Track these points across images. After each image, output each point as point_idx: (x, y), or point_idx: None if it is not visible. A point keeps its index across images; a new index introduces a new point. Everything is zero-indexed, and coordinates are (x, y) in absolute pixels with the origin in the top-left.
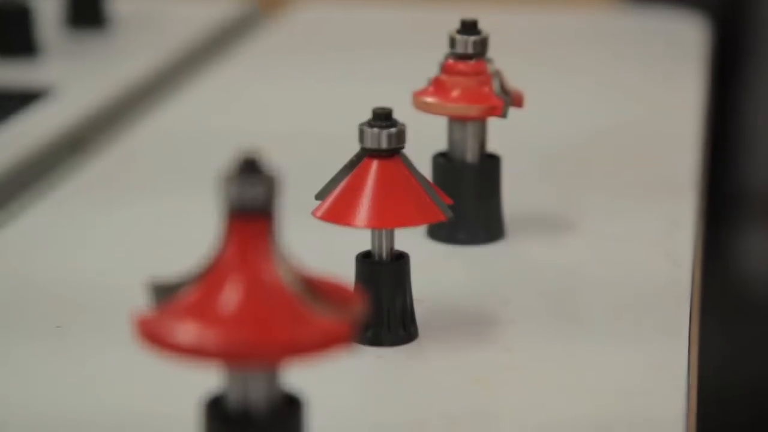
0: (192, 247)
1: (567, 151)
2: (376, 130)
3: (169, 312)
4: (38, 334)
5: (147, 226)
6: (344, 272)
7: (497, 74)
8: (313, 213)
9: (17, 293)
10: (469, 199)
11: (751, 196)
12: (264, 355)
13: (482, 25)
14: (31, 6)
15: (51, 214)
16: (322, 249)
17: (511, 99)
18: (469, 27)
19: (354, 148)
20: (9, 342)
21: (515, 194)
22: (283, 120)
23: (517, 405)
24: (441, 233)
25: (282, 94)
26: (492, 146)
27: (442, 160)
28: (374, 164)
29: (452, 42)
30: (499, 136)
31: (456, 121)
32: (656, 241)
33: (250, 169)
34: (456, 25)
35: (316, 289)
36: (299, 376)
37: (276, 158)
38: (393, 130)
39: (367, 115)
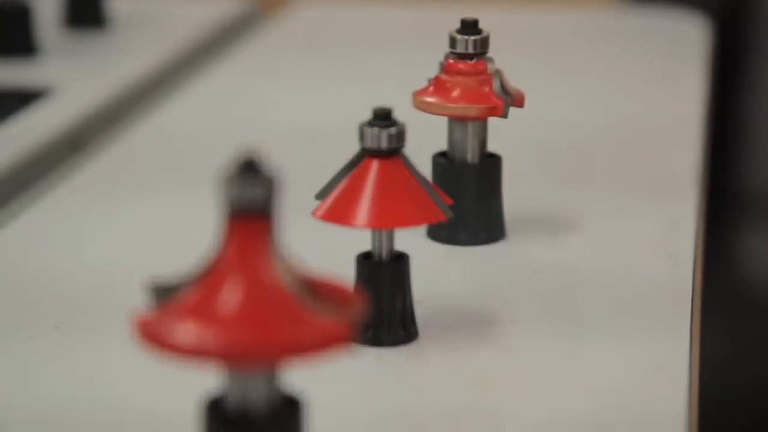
0: (192, 246)
1: (568, 151)
2: (376, 129)
3: (169, 312)
4: (38, 333)
5: (147, 225)
6: (344, 272)
7: (498, 74)
8: (313, 213)
9: (17, 292)
10: (469, 199)
11: (753, 196)
12: (264, 355)
13: (483, 25)
14: (30, 6)
15: (51, 214)
16: (322, 249)
17: (511, 99)
18: (469, 26)
19: (354, 147)
20: (9, 341)
21: (516, 194)
22: (283, 119)
23: (518, 405)
24: (441, 233)
25: (282, 93)
26: (492, 146)
27: (442, 160)
28: (374, 164)
29: (452, 41)
30: (500, 135)
31: (456, 121)
32: (657, 241)
33: (249, 169)
34: (456, 24)
35: (316, 290)
36: (299, 377)
37: (276, 158)
38: (393, 129)
39: (367, 115)
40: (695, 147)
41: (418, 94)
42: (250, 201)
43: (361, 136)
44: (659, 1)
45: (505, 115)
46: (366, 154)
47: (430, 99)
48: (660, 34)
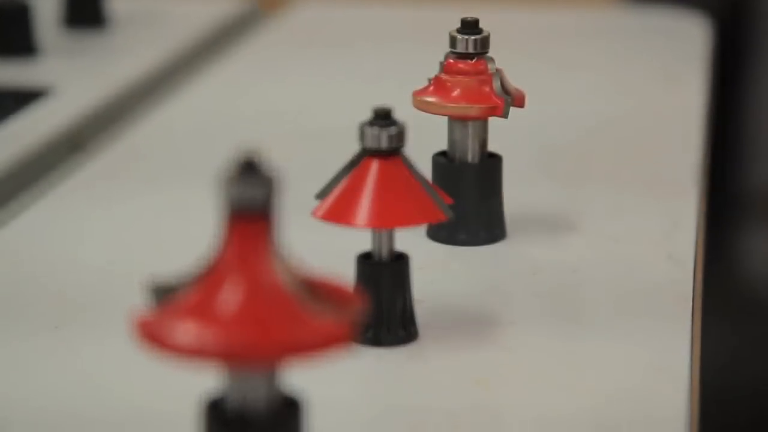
0: (192, 245)
1: (568, 151)
2: (376, 129)
3: (169, 312)
4: (39, 332)
5: (147, 224)
6: (344, 272)
7: (498, 74)
8: (313, 213)
9: (17, 291)
10: (469, 199)
11: (753, 195)
12: (264, 355)
13: (483, 24)
14: (29, 5)
15: (51, 213)
16: (322, 249)
17: (512, 99)
18: (469, 26)
19: (354, 147)
20: (10, 339)
21: (516, 194)
22: (283, 119)
23: (518, 405)
24: (441, 233)
25: (282, 93)
26: (493, 146)
27: (442, 160)
28: (374, 164)
29: (453, 41)
30: (500, 135)
31: (456, 121)
32: (658, 241)
33: (249, 169)
34: (456, 23)
35: (316, 290)
36: (299, 377)
37: (276, 157)
38: (393, 129)
39: (367, 115)
40: (696, 146)
41: (418, 94)
42: (250, 201)
43: (361, 136)
44: (659, 1)
45: (505, 115)
46: (366, 154)
47: (430, 99)
48: (660, 33)
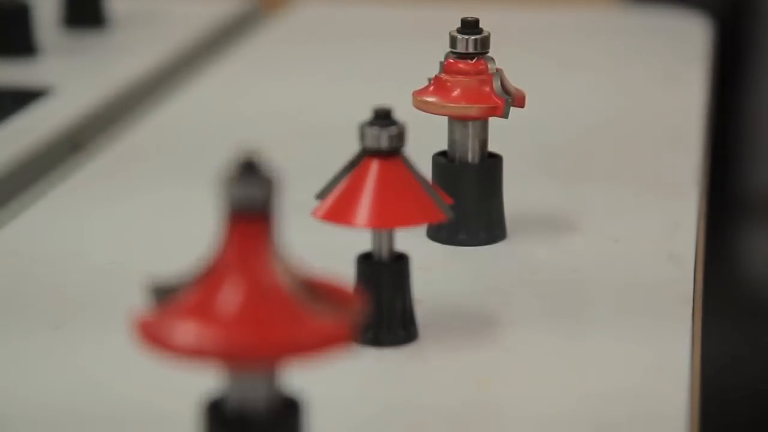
0: (192, 245)
1: (568, 151)
2: (376, 129)
3: (169, 313)
4: (39, 332)
5: (147, 224)
6: (344, 272)
7: (498, 74)
8: (313, 213)
9: (18, 291)
10: (469, 200)
11: (754, 196)
12: (264, 355)
13: (483, 24)
14: (29, 5)
15: (50, 213)
16: (322, 249)
17: (512, 99)
18: (469, 26)
19: (354, 147)
20: (10, 339)
21: (516, 194)
22: (283, 119)
23: (518, 405)
24: (441, 234)
25: (281, 92)
26: (493, 146)
27: (442, 160)
28: (374, 164)
29: (453, 41)
30: (500, 135)
31: (457, 121)
32: (658, 241)
33: (249, 169)
34: (457, 23)
35: (316, 290)
36: (299, 378)
37: (276, 157)
38: (393, 129)
39: (368, 115)
40: (696, 146)
41: (418, 94)
42: (250, 201)
43: (362, 136)
44: (659, 1)
45: (505, 115)
46: (366, 154)
47: (430, 98)
48: (661, 33)
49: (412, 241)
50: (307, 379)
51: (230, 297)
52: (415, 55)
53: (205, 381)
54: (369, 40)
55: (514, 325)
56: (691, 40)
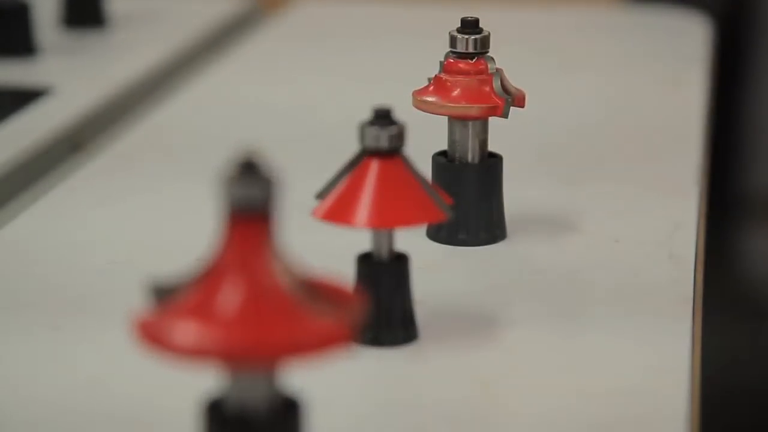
0: (192, 246)
1: (568, 151)
2: (376, 129)
3: (169, 313)
4: (38, 332)
5: (147, 224)
6: (344, 272)
7: (498, 73)
8: (313, 213)
9: (18, 291)
10: (469, 200)
11: (754, 196)
12: (264, 355)
13: (483, 24)
14: (29, 5)
15: (50, 213)
16: (322, 249)
17: (512, 99)
18: (469, 26)
19: (354, 147)
20: (10, 339)
21: (516, 194)
22: (283, 118)
23: (518, 406)
24: (441, 234)
25: (281, 92)
26: (493, 146)
27: (442, 160)
28: (374, 164)
29: (453, 41)
30: (500, 135)
31: (456, 121)
32: (658, 241)
33: (249, 169)
34: (457, 23)
35: (316, 290)
36: (299, 378)
37: (276, 157)
38: (393, 129)
39: (368, 114)
40: (696, 147)
41: (418, 94)
42: (250, 201)
43: (361, 136)
44: (660, 1)
45: (505, 115)
46: (366, 154)
47: (430, 98)
48: (661, 33)
49: (412, 241)
50: (307, 379)
51: (230, 297)
52: (415, 55)
53: (205, 381)
54: (369, 40)
55: (514, 325)
56: (691, 40)
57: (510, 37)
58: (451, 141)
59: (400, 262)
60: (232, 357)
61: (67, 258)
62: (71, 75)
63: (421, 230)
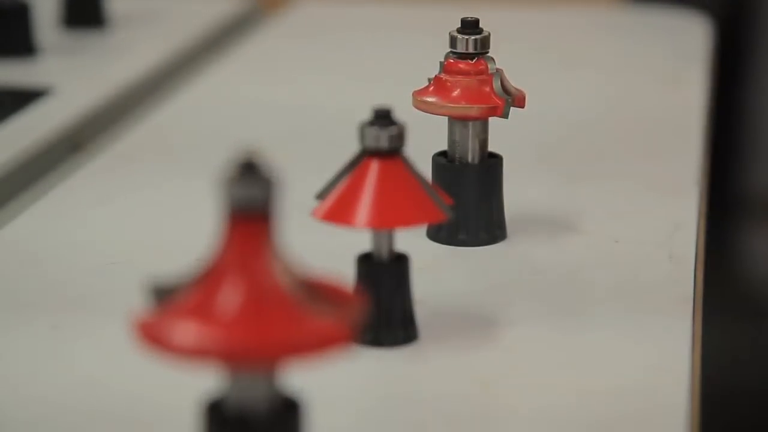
0: (192, 246)
1: (569, 151)
2: (376, 129)
3: (169, 313)
4: (38, 332)
5: (147, 224)
6: (344, 272)
7: (498, 74)
8: (313, 213)
9: (18, 291)
10: (470, 200)
11: (755, 196)
12: (263, 355)
13: (483, 24)
14: (29, 5)
15: (50, 213)
16: (322, 249)
17: (512, 99)
18: (469, 26)
19: (354, 146)
20: (10, 338)
21: (516, 194)
22: (283, 118)
23: (518, 406)
24: (441, 234)
25: (282, 92)
26: (493, 146)
27: (442, 160)
28: (374, 164)
29: (453, 41)
30: (500, 135)
31: (457, 121)
32: (658, 241)
33: (249, 169)
34: (457, 23)
35: (316, 290)
36: (299, 378)
37: (276, 157)
38: (393, 129)
39: (368, 114)
40: (697, 147)
41: (418, 94)
42: (250, 201)
43: (361, 136)
44: (660, 1)
45: (505, 116)
46: (366, 154)
47: (430, 98)
48: (661, 33)
49: (412, 241)
50: (307, 379)
51: (230, 297)
52: (415, 55)
53: (205, 381)
54: (369, 40)
55: (514, 325)
56: (691, 40)
57: (510, 37)
58: (451, 141)
59: (400, 262)
60: (232, 357)
61: (67, 258)
62: (71, 75)
63: (421, 230)
